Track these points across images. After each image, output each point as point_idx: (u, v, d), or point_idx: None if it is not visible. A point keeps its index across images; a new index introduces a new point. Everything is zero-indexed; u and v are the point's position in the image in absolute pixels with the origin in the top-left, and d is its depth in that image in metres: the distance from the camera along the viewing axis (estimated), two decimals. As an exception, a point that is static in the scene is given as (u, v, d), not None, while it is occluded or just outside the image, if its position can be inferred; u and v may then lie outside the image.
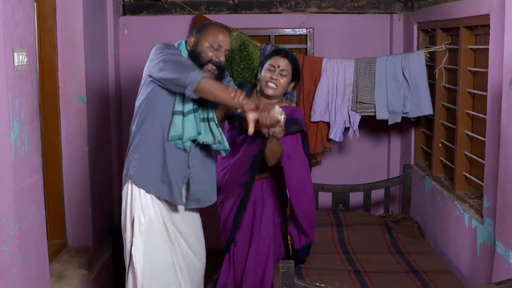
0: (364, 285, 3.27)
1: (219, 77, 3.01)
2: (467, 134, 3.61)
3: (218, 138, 3.02)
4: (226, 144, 3.06)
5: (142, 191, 3.02)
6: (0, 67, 2.32)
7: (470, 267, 3.32)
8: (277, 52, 3.43)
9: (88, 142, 3.91)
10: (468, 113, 3.61)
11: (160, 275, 3.05)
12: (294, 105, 4.45)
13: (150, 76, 2.98)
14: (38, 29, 3.58)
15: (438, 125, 4.14)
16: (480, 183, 3.30)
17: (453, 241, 3.61)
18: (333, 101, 4.43)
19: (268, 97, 3.39)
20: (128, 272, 3.07)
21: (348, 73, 4.41)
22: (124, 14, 4.82)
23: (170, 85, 2.90)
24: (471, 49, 3.58)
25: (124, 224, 3.08)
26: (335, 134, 4.46)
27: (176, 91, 2.91)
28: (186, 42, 3.07)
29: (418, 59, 4.22)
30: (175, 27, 4.77)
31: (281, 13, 4.83)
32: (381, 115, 4.35)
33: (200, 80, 2.78)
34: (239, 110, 2.82)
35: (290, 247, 3.51)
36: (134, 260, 3.00)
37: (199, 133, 2.97)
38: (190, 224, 3.18)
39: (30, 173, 2.58)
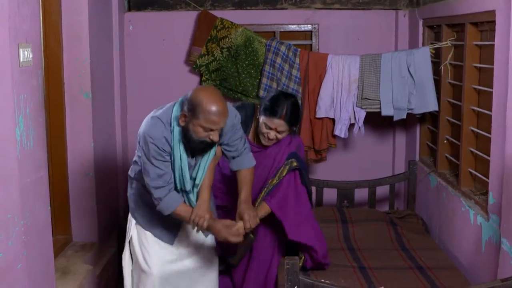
0: (369, 281, 3.27)
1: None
2: (472, 131, 3.60)
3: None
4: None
5: None
6: (6, 63, 2.32)
7: (475, 264, 3.31)
8: (274, 113, 3.27)
9: (93, 137, 3.92)
10: (473, 109, 3.59)
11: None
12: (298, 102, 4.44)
13: None
14: (43, 24, 3.58)
15: (443, 121, 4.13)
16: (486, 179, 3.29)
17: (458, 238, 3.61)
18: (338, 97, 4.42)
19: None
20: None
21: (353, 69, 4.39)
22: (129, 10, 4.82)
23: None
24: (476, 45, 3.57)
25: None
26: (340, 130, 4.45)
27: None
28: (177, 117, 2.81)
29: (423, 55, 4.21)
30: (180, 23, 4.78)
31: (286, 9, 4.82)
32: (386, 111, 4.34)
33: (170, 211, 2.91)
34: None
35: (300, 263, 3.41)
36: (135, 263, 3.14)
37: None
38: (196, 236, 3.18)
39: (35, 169, 2.58)
